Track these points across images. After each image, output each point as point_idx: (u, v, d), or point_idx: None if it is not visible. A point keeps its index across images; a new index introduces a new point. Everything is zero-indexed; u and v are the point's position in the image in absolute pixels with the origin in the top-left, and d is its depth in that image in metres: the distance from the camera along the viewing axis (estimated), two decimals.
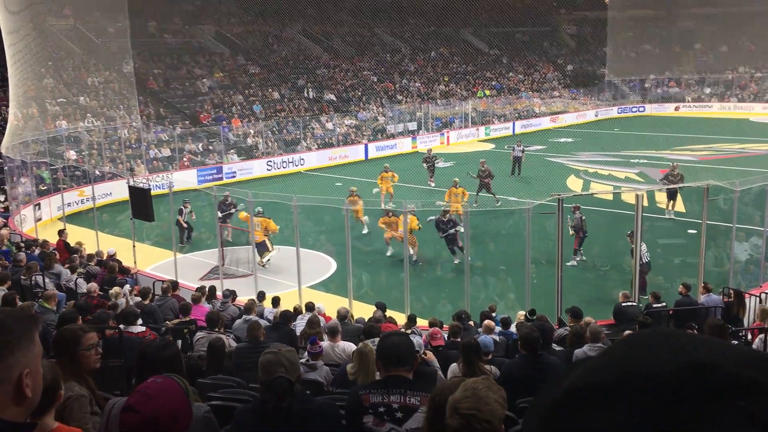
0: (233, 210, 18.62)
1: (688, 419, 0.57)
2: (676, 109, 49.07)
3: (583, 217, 15.74)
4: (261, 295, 12.34)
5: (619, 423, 0.59)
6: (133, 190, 15.82)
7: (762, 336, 8.76)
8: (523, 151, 27.18)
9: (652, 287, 13.16)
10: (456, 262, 16.29)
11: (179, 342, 8.31)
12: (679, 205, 20.39)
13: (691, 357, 0.61)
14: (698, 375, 0.60)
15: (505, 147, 29.54)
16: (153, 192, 16.00)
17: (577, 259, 15.97)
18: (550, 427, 0.64)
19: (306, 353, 6.78)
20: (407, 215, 13.97)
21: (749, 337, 9.97)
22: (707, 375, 0.59)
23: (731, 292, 12.04)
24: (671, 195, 19.52)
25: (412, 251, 15.71)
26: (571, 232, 15.59)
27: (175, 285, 12.13)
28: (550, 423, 0.64)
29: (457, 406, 2.36)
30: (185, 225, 18.67)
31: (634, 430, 0.58)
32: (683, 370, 0.60)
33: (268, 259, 16.51)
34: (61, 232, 16.32)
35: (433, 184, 25.42)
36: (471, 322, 10.40)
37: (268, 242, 16.49)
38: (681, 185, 18.67)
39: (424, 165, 26.16)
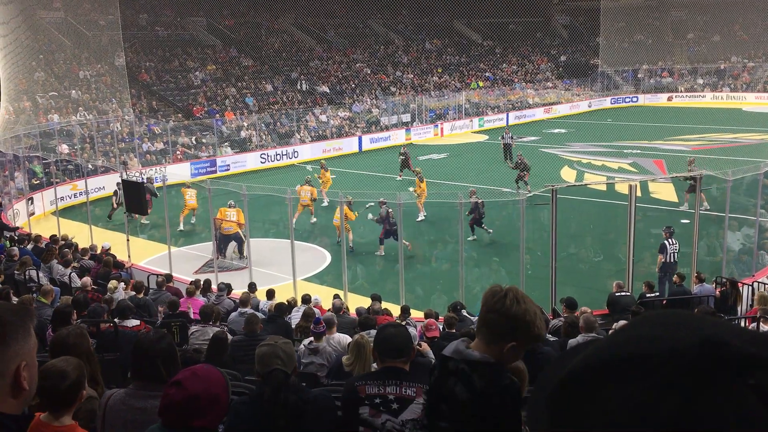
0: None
1: (699, 395, 0.58)
2: (669, 99, 49.18)
3: (390, 210, 15.79)
4: (252, 287, 12.34)
5: (630, 398, 0.60)
6: (126, 184, 15.77)
7: (754, 325, 8.82)
8: (512, 138, 28.00)
9: (645, 277, 13.22)
10: (471, 239, 16.71)
11: None
12: (672, 195, 20.47)
13: (701, 334, 0.62)
14: (708, 351, 0.60)
15: (499, 138, 29.60)
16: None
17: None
18: (561, 405, 0.65)
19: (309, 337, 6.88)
20: (343, 205, 15.19)
21: (743, 325, 10.03)
22: (717, 352, 0.60)
23: (726, 281, 12.11)
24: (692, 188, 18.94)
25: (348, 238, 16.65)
26: (371, 216, 16.54)
27: (168, 278, 12.11)
28: (561, 401, 0.65)
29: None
30: (116, 206, 19.45)
31: (646, 406, 0.59)
32: (694, 346, 0.61)
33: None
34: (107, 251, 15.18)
35: (400, 179, 25.25)
36: (465, 312, 10.43)
37: (242, 234, 16.52)
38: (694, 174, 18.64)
39: (400, 159, 25.96)
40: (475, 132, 39.36)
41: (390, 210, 15.81)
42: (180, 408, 2.36)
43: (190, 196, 19.75)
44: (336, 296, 11.88)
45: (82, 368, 2.86)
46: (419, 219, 18.99)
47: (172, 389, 2.41)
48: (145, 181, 17.63)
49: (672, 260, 13.25)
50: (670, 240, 13.29)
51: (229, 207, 16.97)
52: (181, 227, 19.37)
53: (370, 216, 16.79)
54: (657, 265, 13.42)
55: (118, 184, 18.51)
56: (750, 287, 12.04)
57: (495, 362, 2.35)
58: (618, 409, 0.60)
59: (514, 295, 2.37)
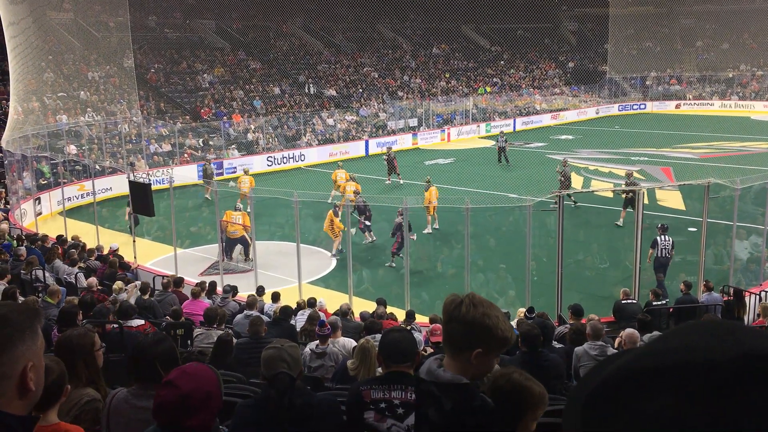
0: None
1: (736, 407, 0.57)
2: (677, 106, 49.04)
3: (367, 203, 15.80)
4: (260, 290, 12.34)
5: (663, 409, 0.59)
6: (133, 185, 15.81)
7: None
8: (506, 141, 29.31)
9: (652, 284, 13.17)
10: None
11: None
12: (679, 203, 20.39)
13: (744, 347, 0.61)
14: (750, 365, 0.59)
15: (494, 143, 29.74)
16: (153, 187, 16.00)
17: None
18: (594, 411, 0.64)
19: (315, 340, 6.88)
20: (346, 209, 15.34)
21: None
22: (758, 366, 0.59)
23: (731, 290, 12.04)
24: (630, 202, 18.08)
25: (335, 243, 17.02)
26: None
27: (179, 281, 12.08)
28: (594, 407, 0.64)
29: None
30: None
31: (683, 415, 0.58)
32: (736, 359, 0.60)
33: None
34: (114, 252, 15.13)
35: (389, 182, 25.35)
36: None
37: (247, 237, 16.55)
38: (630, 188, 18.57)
39: (386, 163, 25.74)
40: (481, 137, 39.32)
41: (399, 221, 15.32)
42: (173, 408, 2.35)
43: (244, 184, 20.73)
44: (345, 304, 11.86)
45: (61, 364, 2.92)
46: (427, 231, 18.74)
47: (164, 389, 2.40)
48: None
49: (663, 255, 13.64)
50: (662, 237, 13.72)
51: (236, 210, 17.02)
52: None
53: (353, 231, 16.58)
54: (648, 258, 13.69)
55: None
56: (757, 296, 11.97)
57: (464, 383, 2.30)
58: (650, 419, 0.59)
59: (470, 300, 2.31)
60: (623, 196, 18.61)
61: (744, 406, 0.57)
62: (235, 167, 29.42)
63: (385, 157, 26.16)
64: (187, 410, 2.34)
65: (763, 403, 0.57)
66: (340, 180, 21.40)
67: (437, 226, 18.85)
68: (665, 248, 13.72)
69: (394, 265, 16.02)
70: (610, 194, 21.08)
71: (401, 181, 25.11)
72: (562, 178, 21.19)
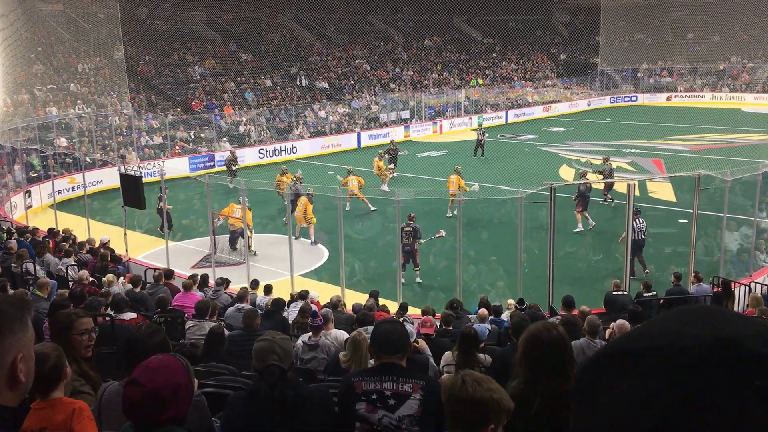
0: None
1: (703, 391, 0.58)
2: (668, 98, 49.18)
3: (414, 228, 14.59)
4: (254, 283, 12.34)
5: (635, 389, 0.61)
6: (124, 177, 15.75)
7: None
8: (484, 134, 29.40)
9: (642, 277, 13.25)
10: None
11: None
12: (670, 195, 20.49)
13: (717, 332, 0.62)
14: (720, 350, 0.61)
15: (498, 136, 29.75)
16: (144, 180, 15.94)
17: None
18: (581, 384, 0.68)
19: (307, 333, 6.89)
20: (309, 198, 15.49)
21: None
22: (730, 351, 0.60)
23: (720, 281, 12.13)
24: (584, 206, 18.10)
25: (310, 232, 17.20)
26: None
27: (170, 273, 12.06)
28: (581, 380, 0.68)
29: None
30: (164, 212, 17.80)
31: (647, 398, 0.60)
32: (708, 344, 0.61)
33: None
34: (105, 245, 15.09)
35: (395, 174, 24.69)
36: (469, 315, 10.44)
37: (247, 230, 16.48)
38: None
39: (386, 156, 24.83)
40: (473, 129, 39.28)
41: (413, 228, 14.46)
42: (142, 406, 2.30)
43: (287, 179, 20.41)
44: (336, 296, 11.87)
45: (59, 349, 2.94)
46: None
47: (129, 388, 2.34)
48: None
49: (639, 237, 14.04)
50: (637, 220, 14.00)
51: (239, 203, 16.64)
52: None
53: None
54: (620, 239, 14.04)
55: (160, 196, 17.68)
56: (747, 287, 12.06)
57: None
58: (621, 398, 0.62)
59: (472, 378, 2.37)
60: (598, 177, 18.81)
61: (708, 389, 0.58)
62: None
63: (386, 149, 25.49)
64: (156, 407, 2.29)
65: (726, 388, 0.58)
66: (351, 186, 19.84)
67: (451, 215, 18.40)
68: (641, 230, 14.22)
69: (403, 280, 14.14)
70: (602, 186, 21.14)
71: (395, 174, 24.89)
72: (601, 176, 19.64)
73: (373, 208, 19.86)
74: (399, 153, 25.63)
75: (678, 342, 0.62)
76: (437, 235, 14.79)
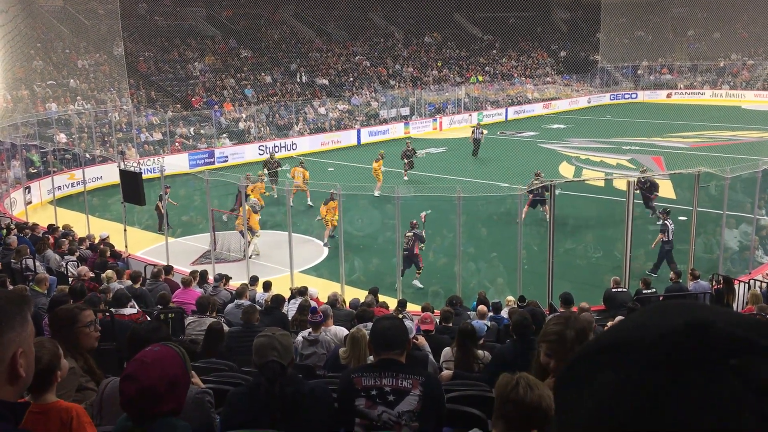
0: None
1: (678, 378, 0.59)
2: (669, 96, 49.13)
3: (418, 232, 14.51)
4: (253, 279, 12.34)
5: (617, 381, 0.61)
6: (123, 173, 15.74)
7: None
8: (482, 133, 28.96)
9: (642, 274, 13.25)
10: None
11: None
12: (670, 192, 20.49)
13: (686, 317, 0.63)
14: (692, 333, 0.61)
15: (498, 133, 29.73)
16: (144, 176, 15.92)
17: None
18: (561, 383, 0.69)
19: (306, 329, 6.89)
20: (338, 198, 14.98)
21: None
22: (700, 334, 0.61)
23: (721, 278, 12.12)
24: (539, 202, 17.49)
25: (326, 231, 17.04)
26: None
27: (168, 269, 12.07)
28: (561, 380, 0.69)
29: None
30: (163, 211, 17.50)
31: (629, 388, 0.60)
32: (677, 330, 0.62)
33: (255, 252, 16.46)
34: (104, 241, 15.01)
35: (407, 178, 24.16)
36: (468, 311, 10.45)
37: (247, 233, 16.46)
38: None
39: (404, 160, 24.30)
40: (473, 126, 39.27)
41: (414, 234, 14.29)
42: (139, 401, 2.28)
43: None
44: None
45: (53, 349, 2.84)
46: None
47: (125, 384, 2.32)
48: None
49: (670, 238, 13.99)
50: (669, 220, 14.15)
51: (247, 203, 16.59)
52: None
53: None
54: (654, 243, 14.07)
55: (161, 195, 17.68)
56: (746, 285, 12.07)
57: None
58: (595, 393, 0.62)
59: (526, 382, 2.38)
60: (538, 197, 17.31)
61: (687, 375, 0.58)
62: (227, 156, 29.32)
63: (405, 155, 24.58)
64: (153, 400, 2.28)
65: (702, 371, 0.58)
66: (296, 178, 20.57)
67: None
68: (674, 231, 14.11)
69: (421, 285, 14.42)
70: (602, 183, 21.16)
71: (405, 177, 24.16)
72: (642, 188, 17.75)
73: (310, 204, 20.16)
74: (416, 155, 24.78)
75: (653, 332, 0.63)
76: (422, 217, 14.82)
